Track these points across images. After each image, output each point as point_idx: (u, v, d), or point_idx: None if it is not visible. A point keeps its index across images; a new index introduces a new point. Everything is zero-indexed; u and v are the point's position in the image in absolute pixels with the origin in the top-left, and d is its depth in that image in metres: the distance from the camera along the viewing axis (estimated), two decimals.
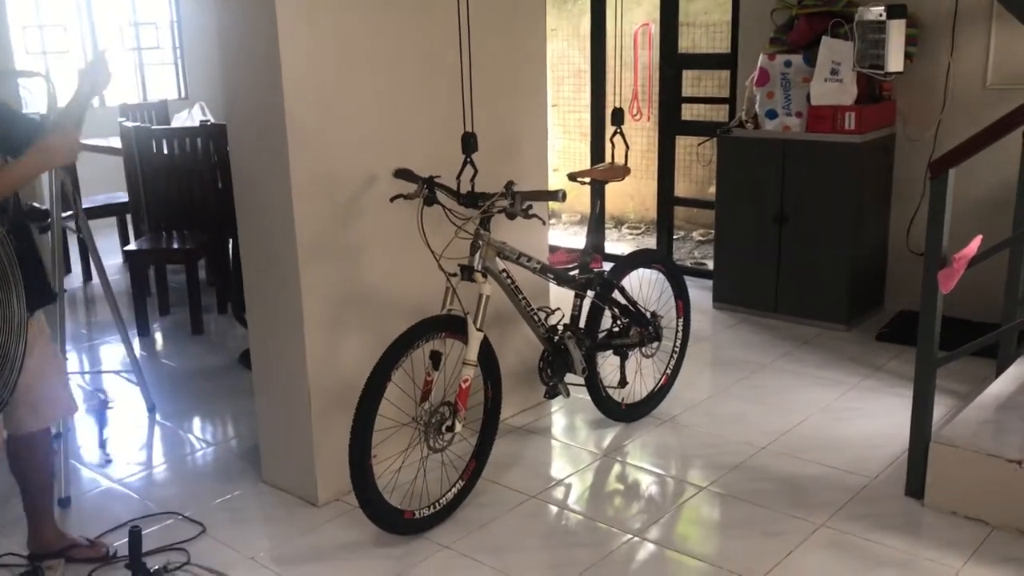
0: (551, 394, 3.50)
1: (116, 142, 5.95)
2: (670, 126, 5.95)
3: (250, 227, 3.14)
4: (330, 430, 3.07)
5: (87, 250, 5.48)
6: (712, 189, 6.12)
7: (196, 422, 4.05)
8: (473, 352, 2.90)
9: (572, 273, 3.55)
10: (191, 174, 5.11)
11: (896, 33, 4.25)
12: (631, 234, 7.43)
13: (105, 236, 6.72)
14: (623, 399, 3.76)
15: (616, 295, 3.63)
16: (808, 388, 4.09)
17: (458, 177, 2.91)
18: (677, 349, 3.97)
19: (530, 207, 2.88)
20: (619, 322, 3.67)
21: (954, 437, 3.00)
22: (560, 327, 3.42)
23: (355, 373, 2.88)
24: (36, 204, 3.45)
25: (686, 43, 6.36)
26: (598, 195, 3.60)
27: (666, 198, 6.00)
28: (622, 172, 3.62)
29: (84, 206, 5.83)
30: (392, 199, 2.95)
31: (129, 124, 5.39)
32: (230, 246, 5.07)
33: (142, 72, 8.34)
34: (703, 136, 5.79)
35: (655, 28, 6.48)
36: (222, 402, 4.18)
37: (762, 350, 4.57)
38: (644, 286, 3.93)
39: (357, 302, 3.15)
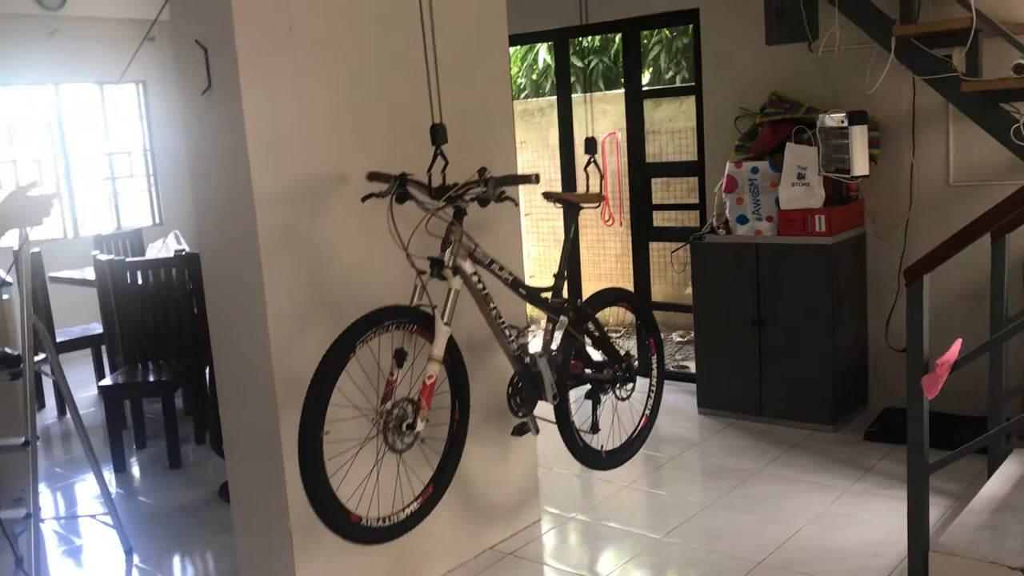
0: (520, 430, 3.31)
1: (90, 274, 5.92)
2: (643, 232, 6.02)
3: (225, 357, 3.10)
4: (314, 565, 2.97)
5: (59, 386, 5.39)
6: (688, 291, 6.16)
7: (176, 563, 3.92)
8: (439, 348, 2.74)
9: (545, 295, 3.38)
10: (167, 304, 5.08)
11: (859, 138, 4.36)
12: (614, 333, 7.41)
13: (80, 368, 6.65)
14: (602, 446, 3.57)
15: (590, 327, 3.47)
16: (800, 495, 4.03)
17: (429, 170, 2.81)
18: (654, 388, 3.79)
19: (503, 192, 2.81)
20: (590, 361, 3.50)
21: (953, 545, 2.94)
22: (530, 348, 3.25)
23: None
24: (8, 349, 3.39)
25: (653, 150, 6.51)
26: (572, 219, 3.46)
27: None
28: (596, 198, 3.53)
29: (58, 339, 5.79)
30: (364, 198, 2.85)
31: (103, 257, 5.38)
32: (207, 374, 5.01)
33: (116, 201, 8.38)
34: (676, 242, 5.85)
35: (622, 136, 6.63)
36: (202, 540, 4.05)
37: (751, 456, 4.52)
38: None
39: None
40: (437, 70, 2.93)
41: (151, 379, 5.02)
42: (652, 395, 3.77)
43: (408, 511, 2.85)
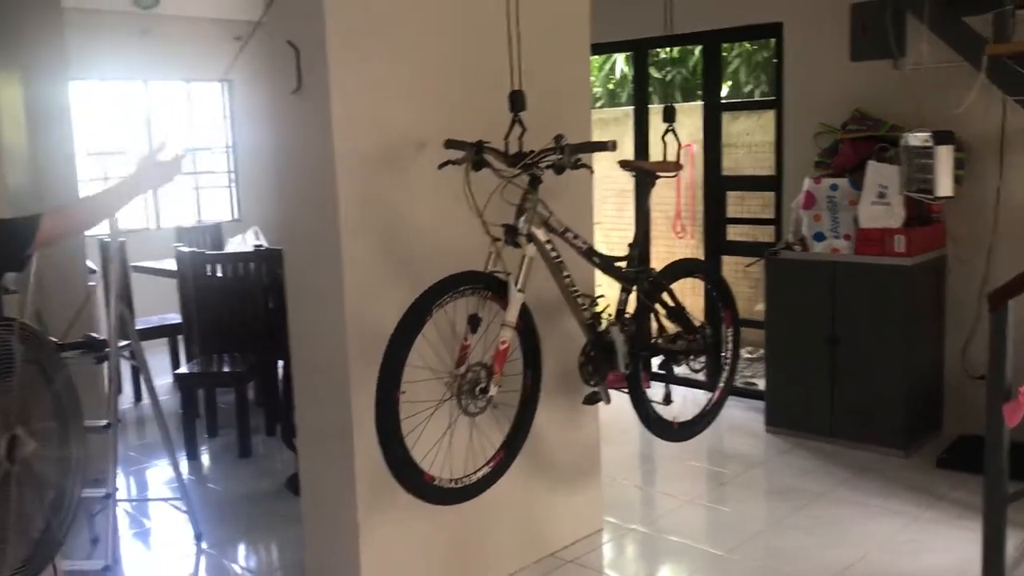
0: (592, 399, 3.31)
1: (170, 264, 6.09)
2: (715, 246, 5.97)
3: (303, 353, 3.17)
4: (378, 560, 3.02)
5: (138, 372, 5.55)
6: (758, 307, 6.09)
7: (241, 550, 4.01)
8: (513, 314, 2.75)
9: (619, 264, 3.33)
10: (243, 297, 5.21)
11: (944, 159, 4.25)
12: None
13: (156, 356, 6.83)
14: (675, 418, 3.52)
15: (665, 298, 3.43)
16: (868, 519, 3.96)
17: (506, 137, 2.79)
18: (728, 362, 3.71)
19: (579, 159, 2.79)
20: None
21: None
22: (605, 315, 3.22)
23: (409, 503, 2.83)
24: (94, 334, 3.51)
25: (729, 163, 6.44)
26: (647, 189, 3.42)
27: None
28: (673, 167, 3.44)
29: (137, 327, 5.96)
30: (441, 165, 2.86)
31: (185, 249, 5.53)
32: (279, 368, 5.12)
33: (198, 195, 8.61)
34: (749, 256, 5.79)
35: (697, 148, 6.58)
36: (268, 529, 4.14)
37: (818, 477, 4.45)
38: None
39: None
40: (519, 41, 2.88)
41: (225, 370, 5.15)
42: (726, 369, 3.68)
43: (479, 475, 2.88)
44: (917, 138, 4.38)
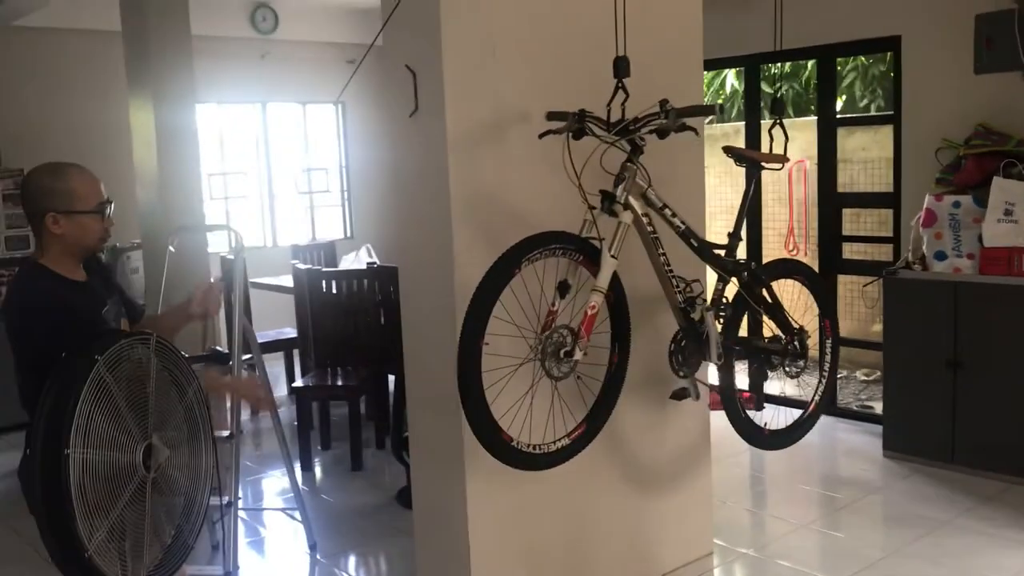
0: (680, 395, 3.21)
1: (286, 281, 6.30)
2: (830, 264, 5.82)
3: (416, 368, 3.23)
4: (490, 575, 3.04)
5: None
6: (876, 327, 5.90)
7: (352, 562, 4.10)
8: (604, 279, 2.70)
9: (719, 251, 3.21)
10: (356, 313, 5.34)
11: None
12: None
13: (273, 369, 7.05)
14: (766, 424, 3.41)
15: (764, 294, 3.30)
16: (996, 551, 3.79)
17: (608, 104, 2.70)
18: (827, 373, 3.56)
19: (683, 123, 2.73)
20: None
21: None
22: (700, 300, 3.09)
23: (516, 520, 2.85)
24: (218, 347, 3.66)
25: (844, 179, 6.28)
26: (752, 179, 3.33)
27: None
28: (779, 158, 3.34)
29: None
30: (542, 135, 2.82)
31: (301, 266, 5.71)
32: (390, 382, 5.23)
33: (312, 214, 8.88)
34: (866, 275, 5.62)
35: (810, 165, 6.45)
36: (379, 542, 4.22)
37: (940, 505, 4.28)
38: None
39: None
40: (625, 5, 2.79)
41: (339, 383, 5.28)
42: (823, 381, 3.54)
43: (559, 444, 2.82)
44: None
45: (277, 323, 6.79)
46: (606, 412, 2.97)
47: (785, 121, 3.41)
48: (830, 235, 5.84)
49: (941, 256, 4.66)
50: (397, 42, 3.07)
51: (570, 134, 2.74)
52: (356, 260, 6.11)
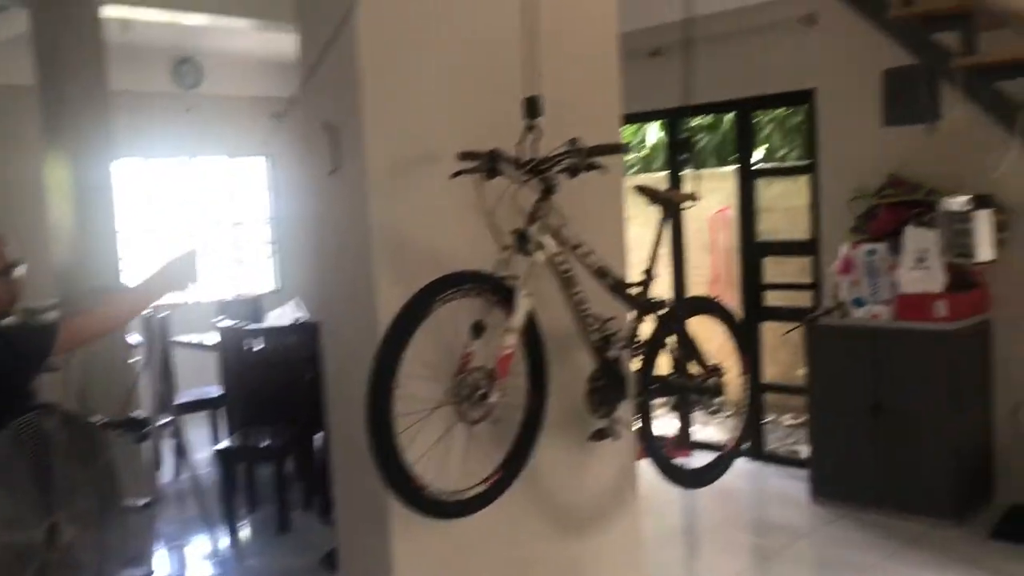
0: (599, 435, 3.13)
1: (211, 338, 6.16)
2: (754, 311, 5.92)
3: (339, 425, 3.17)
4: None
5: (179, 447, 5.58)
6: (800, 372, 6.01)
7: None
8: (519, 318, 2.65)
9: (632, 291, 3.18)
10: (282, 370, 5.24)
11: (984, 223, 4.23)
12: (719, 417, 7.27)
13: (197, 429, 6.87)
14: (686, 464, 3.39)
15: (679, 332, 3.26)
16: None
17: (520, 143, 2.70)
18: (745, 411, 3.54)
19: (593, 161, 2.70)
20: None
21: None
22: (615, 338, 3.05)
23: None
24: (135, 414, 3.55)
25: (765, 227, 6.43)
26: (665, 218, 3.28)
27: (754, 384, 5.89)
28: (688, 197, 3.36)
29: (178, 400, 6.02)
30: (453, 175, 2.76)
31: (225, 323, 5.60)
32: (317, 441, 5.13)
33: (240, 268, 8.75)
34: (788, 322, 5.72)
35: (732, 213, 6.58)
36: None
37: (866, 549, 4.33)
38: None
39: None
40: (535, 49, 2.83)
41: (265, 444, 5.16)
42: (743, 416, 3.52)
43: (474, 492, 2.74)
44: (956, 203, 4.36)
45: (202, 382, 6.62)
46: (524, 455, 2.90)
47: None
48: (753, 283, 5.95)
49: (859, 303, 4.78)
50: (318, 97, 3.05)
51: (482, 174, 2.73)
52: (283, 315, 6.02)
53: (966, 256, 4.34)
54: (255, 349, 5.27)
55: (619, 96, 3.70)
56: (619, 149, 2.77)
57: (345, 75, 2.89)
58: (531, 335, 2.82)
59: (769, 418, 6.57)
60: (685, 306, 3.45)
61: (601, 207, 3.44)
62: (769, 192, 6.87)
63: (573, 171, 2.73)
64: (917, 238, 4.54)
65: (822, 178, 5.39)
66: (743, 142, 6.03)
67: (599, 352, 3.04)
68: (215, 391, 6.26)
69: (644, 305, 3.16)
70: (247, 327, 5.42)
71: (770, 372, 6.40)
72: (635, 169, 9.50)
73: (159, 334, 3.74)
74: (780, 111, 8.23)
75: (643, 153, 9.50)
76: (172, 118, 7.94)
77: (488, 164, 2.73)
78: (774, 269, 6.34)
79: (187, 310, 7.98)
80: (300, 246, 8.68)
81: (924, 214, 4.60)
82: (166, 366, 5.71)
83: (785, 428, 6.70)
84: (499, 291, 2.69)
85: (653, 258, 3.28)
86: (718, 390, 3.31)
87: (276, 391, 5.26)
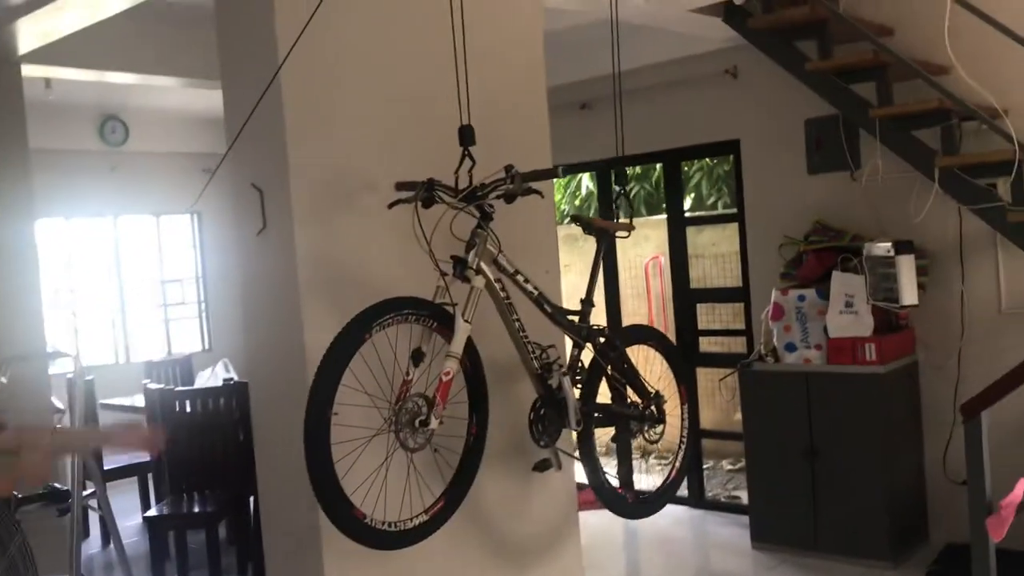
0: (542, 466, 3.10)
1: (140, 401, 5.99)
2: (689, 358, 5.96)
3: (271, 488, 3.08)
4: None
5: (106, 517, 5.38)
6: (737, 416, 6.05)
7: None
8: (459, 344, 2.63)
9: (571, 318, 3.18)
10: (214, 432, 5.09)
11: (906, 268, 4.33)
12: (658, 465, 7.27)
13: (126, 495, 6.65)
14: (627, 494, 3.35)
15: (618, 359, 3.24)
16: None
17: (456, 172, 2.71)
18: (684, 440, 3.51)
19: (529, 187, 2.72)
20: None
21: None
22: (556, 366, 3.05)
23: None
24: (57, 485, 3.40)
25: (697, 274, 6.51)
26: (601, 246, 3.32)
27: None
28: (625, 227, 3.37)
29: (105, 467, 5.81)
30: (390, 205, 2.76)
31: (153, 386, 5.45)
32: (251, 505, 4.99)
33: (168, 328, 8.55)
34: (723, 368, 5.79)
35: (665, 261, 6.66)
36: None
37: None
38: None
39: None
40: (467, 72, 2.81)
41: (196, 510, 5.00)
42: (682, 448, 3.51)
43: (415, 522, 2.69)
44: (879, 248, 4.47)
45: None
46: (466, 485, 2.87)
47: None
48: (687, 329, 6.00)
49: (791, 348, 4.84)
50: (246, 157, 3.01)
51: (419, 203, 2.72)
52: (213, 376, 5.88)
53: (891, 300, 4.44)
54: (184, 412, 5.12)
55: (544, 111, 3.69)
56: (551, 174, 2.79)
57: (271, 136, 2.86)
58: (471, 362, 2.81)
59: (708, 464, 6.60)
60: (624, 334, 3.45)
61: (535, 233, 3.44)
62: (700, 239, 6.98)
63: (510, 197, 2.74)
64: (844, 283, 4.64)
65: (750, 225, 5.49)
66: (672, 191, 6.12)
67: (540, 380, 3.04)
68: (144, 456, 6.05)
69: (583, 333, 3.17)
70: (176, 389, 5.27)
71: (707, 418, 6.43)
72: (568, 220, 9.58)
73: (84, 397, 3.60)
74: (707, 160, 8.40)
75: (576, 202, 9.61)
76: (97, 176, 7.78)
77: (424, 192, 2.73)
78: (708, 315, 6.42)
79: (115, 371, 7.78)
80: (230, 304, 8.53)
81: (850, 259, 4.70)
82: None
83: (725, 473, 6.73)
84: (438, 317, 2.68)
85: (591, 287, 3.31)
86: (659, 418, 3.31)
87: (207, 454, 5.11)
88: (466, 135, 2.74)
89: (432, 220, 2.70)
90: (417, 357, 2.60)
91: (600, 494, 3.18)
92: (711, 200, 8.76)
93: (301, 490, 2.89)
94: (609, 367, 3.20)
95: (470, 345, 2.75)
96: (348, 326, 2.50)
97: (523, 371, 3.09)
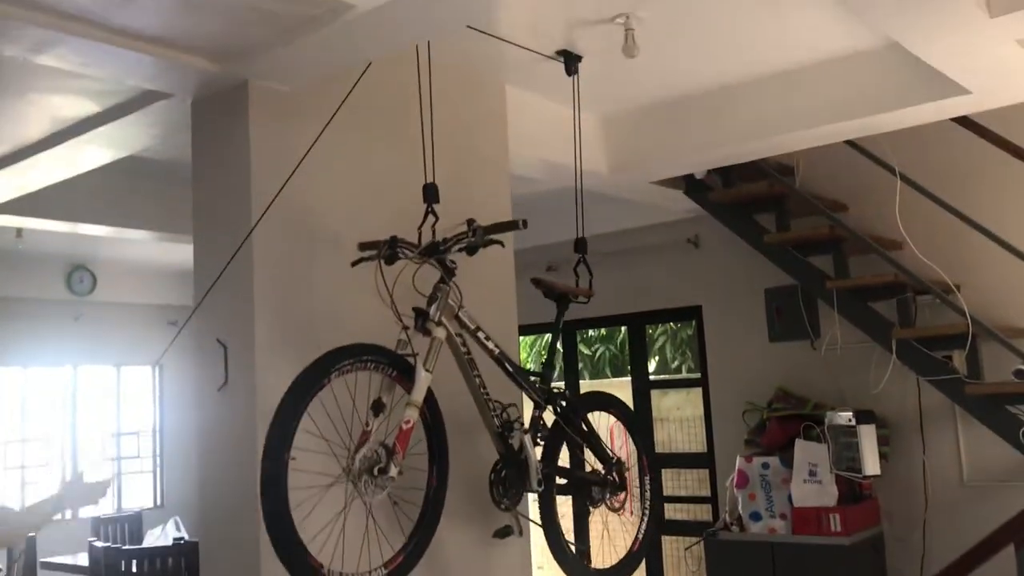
0: (503, 532, 3.01)
1: (83, 559, 5.72)
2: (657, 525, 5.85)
3: None
4: None
5: None
6: None
7: None
8: (419, 393, 2.60)
9: (533, 378, 3.16)
10: None
11: (868, 438, 4.35)
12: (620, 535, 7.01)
13: None
14: (588, 562, 3.22)
15: (580, 424, 3.21)
16: None
17: (420, 228, 2.74)
18: (647, 511, 3.45)
19: (490, 239, 2.73)
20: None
21: None
22: (517, 424, 2.99)
23: None
24: None
25: (662, 436, 6.48)
26: (561, 310, 3.33)
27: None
28: (586, 292, 3.38)
29: None
30: (354, 263, 2.75)
31: (99, 544, 5.22)
32: None
33: (119, 481, 8.29)
34: (689, 536, 5.68)
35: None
36: None
37: None
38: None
39: None
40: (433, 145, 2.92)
41: None
42: (645, 518, 3.46)
43: (375, 574, 2.60)
44: (840, 417, 4.50)
45: None
46: (426, 538, 2.80)
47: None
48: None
49: (756, 516, 4.78)
50: (210, 312, 3.02)
51: (382, 260, 2.75)
52: (162, 535, 5.66)
53: (854, 470, 4.43)
54: (131, 572, 4.89)
55: (506, 157, 3.81)
56: (512, 226, 2.81)
57: (239, 292, 2.89)
58: (431, 413, 2.80)
59: None
60: (585, 400, 3.43)
61: (494, 292, 3.45)
62: (664, 403, 6.98)
63: (471, 249, 2.78)
64: (807, 451, 4.63)
65: (713, 390, 5.53)
66: (636, 354, 6.18)
67: (501, 438, 3.02)
68: None
69: (545, 395, 3.17)
70: (122, 548, 5.06)
71: None
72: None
73: (25, 555, 3.44)
74: (671, 324, 8.53)
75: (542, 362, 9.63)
76: (60, 325, 7.71)
77: (387, 250, 2.76)
78: (673, 480, 6.34)
79: (59, 527, 7.46)
80: (186, 459, 8.32)
81: (812, 428, 4.72)
82: None
83: None
84: (398, 366, 2.68)
85: (551, 350, 3.30)
86: (620, 485, 3.29)
87: None
88: (430, 192, 2.80)
89: (395, 275, 2.72)
90: (377, 408, 2.60)
91: (562, 561, 3.13)
92: (675, 364, 8.84)
93: None
94: (570, 430, 3.18)
95: (430, 395, 2.75)
96: (307, 370, 2.50)
97: (483, 429, 3.07)
